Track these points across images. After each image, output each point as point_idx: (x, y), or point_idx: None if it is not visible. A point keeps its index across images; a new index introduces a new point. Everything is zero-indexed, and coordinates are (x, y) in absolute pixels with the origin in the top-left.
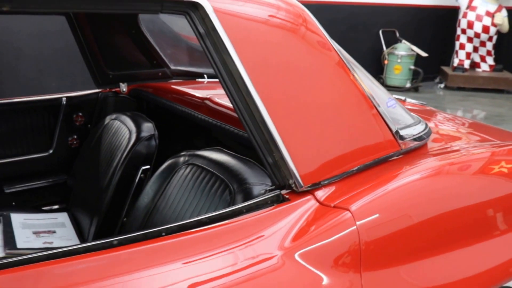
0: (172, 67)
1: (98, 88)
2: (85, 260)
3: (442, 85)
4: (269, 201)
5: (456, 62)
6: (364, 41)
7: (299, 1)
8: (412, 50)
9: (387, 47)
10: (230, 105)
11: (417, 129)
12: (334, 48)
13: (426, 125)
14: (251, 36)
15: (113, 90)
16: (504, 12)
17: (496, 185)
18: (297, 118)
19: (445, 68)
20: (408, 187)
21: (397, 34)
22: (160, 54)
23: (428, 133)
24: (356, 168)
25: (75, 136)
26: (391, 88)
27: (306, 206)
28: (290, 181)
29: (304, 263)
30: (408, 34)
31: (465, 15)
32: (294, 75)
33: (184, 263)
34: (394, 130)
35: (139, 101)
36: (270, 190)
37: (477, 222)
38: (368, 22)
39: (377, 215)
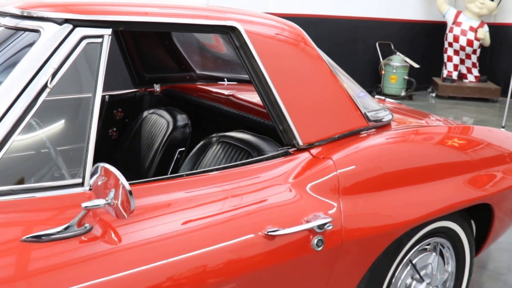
0: (198, 71)
1: (135, 88)
2: (168, 182)
3: (433, 94)
4: (281, 155)
5: (445, 73)
6: (363, 53)
7: (306, 14)
8: (406, 61)
9: (383, 58)
10: (250, 99)
11: (381, 113)
12: (323, 58)
13: (389, 111)
14: (269, 48)
15: (148, 90)
16: (486, 28)
17: (440, 150)
18: (300, 103)
19: (436, 79)
20: (372, 147)
21: (392, 47)
22: (188, 61)
23: (390, 117)
24: (337, 136)
25: (115, 129)
26: (389, 97)
27: (304, 157)
28: (294, 142)
29: (303, 190)
30: (402, 46)
31: (451, 30)
32: (298, 76)
33: (228, 184)
34: (363, 112)
35: (170, 99)
36: (281, 149)
37: (423, 173)
38: (366, 35)
39: (350, 163)
